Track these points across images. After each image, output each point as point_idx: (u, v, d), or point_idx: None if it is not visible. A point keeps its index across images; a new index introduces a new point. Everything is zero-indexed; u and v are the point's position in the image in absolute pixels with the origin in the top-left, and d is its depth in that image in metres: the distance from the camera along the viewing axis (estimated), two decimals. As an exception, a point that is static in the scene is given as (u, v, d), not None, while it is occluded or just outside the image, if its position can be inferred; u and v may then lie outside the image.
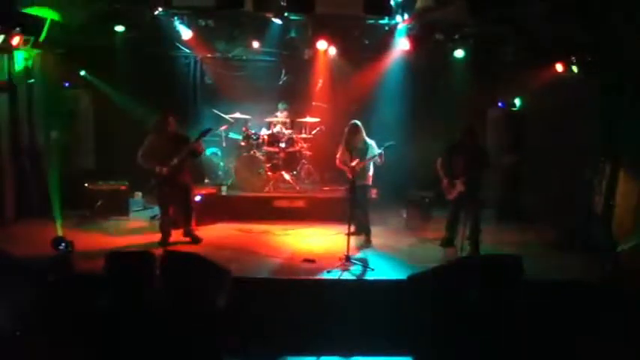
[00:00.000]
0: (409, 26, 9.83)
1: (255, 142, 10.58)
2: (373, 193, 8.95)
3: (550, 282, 6.54)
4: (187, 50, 11.02)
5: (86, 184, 9.58)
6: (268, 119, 10.93)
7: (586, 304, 6.14)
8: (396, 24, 9.85)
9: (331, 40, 10.28)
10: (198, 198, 8.99)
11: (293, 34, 10.32)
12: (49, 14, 8.53)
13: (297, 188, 10.33)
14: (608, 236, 8.09)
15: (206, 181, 10.72)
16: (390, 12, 9.19)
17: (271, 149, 10.50)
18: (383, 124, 9.89)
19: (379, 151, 8.07)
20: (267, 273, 7.04)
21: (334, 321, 6.09)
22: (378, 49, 10.51)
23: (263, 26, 10.07)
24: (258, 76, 11.41)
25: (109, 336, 4.93)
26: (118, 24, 9.61)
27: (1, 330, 5.15)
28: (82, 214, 9.35)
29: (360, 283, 6.90)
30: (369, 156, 8.11)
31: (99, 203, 9.43)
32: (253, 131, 10.69)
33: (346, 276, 6.95)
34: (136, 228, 9.02)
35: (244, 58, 11.32)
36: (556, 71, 9.29)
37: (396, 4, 9.20)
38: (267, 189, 10.22)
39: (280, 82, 11.48)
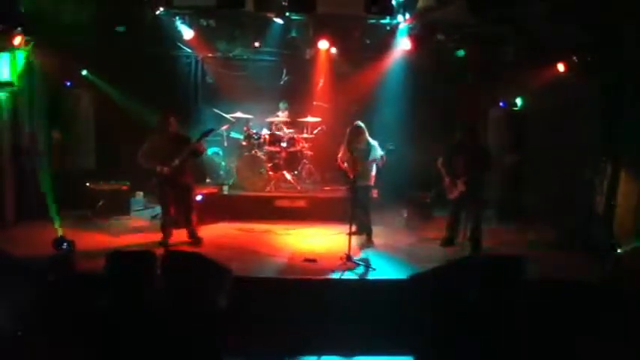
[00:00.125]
0: (410, 26, 9.84)
1: (256, 142, 10.59)
2: (374, 193, 8.95)
3: (550, 282, 6.54)
4: (188, 50, 11.02)
5: (87, 184, 9.59)
6: (269, 119, 10.94)
7: (586, 304, 6.14)
8: (397, 24, 9.87)
9: (332, 40, 10.28)
10: (199, 197, 9.00)
11: (294, 34, 10.33)
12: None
13: (299, 188, 10.34)
14: (609, 236, 8.08)
15: (207, 180, 10.73)
16: (391, 12, 9.20)
17: (272, 149, 10.51)
18: (384, 124, 9.91)
19: (381, 153, 8.09)
20: (268, 273, 7.04)
21: (335, 321, 6.09)
22: (379, 48, 10.51)
23: (264, 26, 10.09)
24: (259, 76, 11.43)
25: (109, 336, 4.94)
26: (120, 24, 9.60)
27: (1, 330, 5.16)
28: (83, 214, 9.35)
29: (360, 283, 6.90)
30: (371, 158, 8.12)
31: (100, 203, 9.43)
32: (254, 131, 10.70)
33: (347, 276, 6.95)
34: (137, 228, 9.01)
35: (245, 57, 11.31)
36: (556, 71, 9.29)
37: (398, 3, 9.21)
38: (268, 189, 10.23)
39: (281, 82, 11.51)
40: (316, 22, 10.13)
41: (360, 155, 8.03)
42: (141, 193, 10.11)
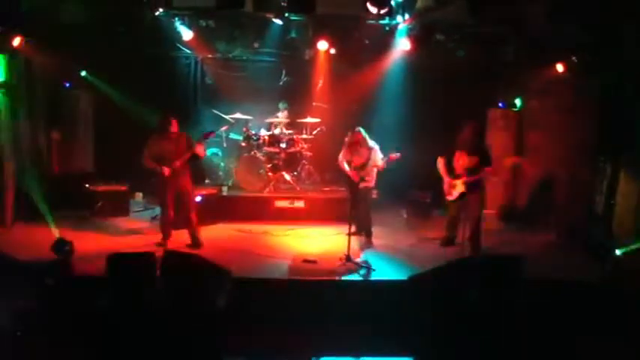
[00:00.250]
0: (409, 26, 9.82)
1: (255, 143, 10.58)
2: (373, 193, 8.95)
3: (550, 282, 6.53)
4: (188, 51, 11.00)
5: (87, 185, 9.58)
6: (269, 120, 10.93)
7: (586, 304, 6.14)
8: (397, 24, 9.84)
9: (332, 41, 10.27)
10: (198, 198, 8.97)
11: (293, 35, 10.30)
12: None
13: (298, 189, 10.32)
14: (609, 236, 8.09)
15: (207, 181, 10.71)
16: (390, 12, 9.19)
17: (272, 150, 10.50)
18: (383, 125, 9.90)
19: (382, 157, 8.10)
20: (268, 273, 7.04)
21: (335, 321, 6.08)
22: (379, 49, 10.47)
23: (263, 27, 10.06)
24: (258, 77, 11.41)
25: (110, 336, 4.93)
26: (119, 24, 9.60)
27: (1, 330, 5.16)
28: (83, 215, 9.34)
29: (360, 284, 6.90)
30: (372, 162, 8.14)
31: (99, 204, 9.43)
32: (254, 132, 10.68)
33: (346, 276, 6.95)
34: (136, 229, 9.00)
35: (245, 58, 11.28)
36: (556, 71, 9.29)
37: (397, 4, 9.21)
38: (267, 189, 10.22)
39: (281, 83, 11.49)
40: (315, 23, 10.11)
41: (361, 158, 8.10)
42: (140, 194, 10.12)
